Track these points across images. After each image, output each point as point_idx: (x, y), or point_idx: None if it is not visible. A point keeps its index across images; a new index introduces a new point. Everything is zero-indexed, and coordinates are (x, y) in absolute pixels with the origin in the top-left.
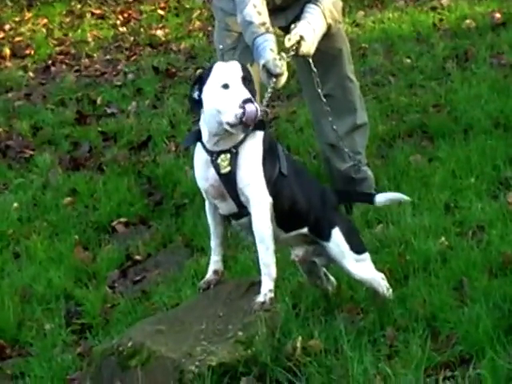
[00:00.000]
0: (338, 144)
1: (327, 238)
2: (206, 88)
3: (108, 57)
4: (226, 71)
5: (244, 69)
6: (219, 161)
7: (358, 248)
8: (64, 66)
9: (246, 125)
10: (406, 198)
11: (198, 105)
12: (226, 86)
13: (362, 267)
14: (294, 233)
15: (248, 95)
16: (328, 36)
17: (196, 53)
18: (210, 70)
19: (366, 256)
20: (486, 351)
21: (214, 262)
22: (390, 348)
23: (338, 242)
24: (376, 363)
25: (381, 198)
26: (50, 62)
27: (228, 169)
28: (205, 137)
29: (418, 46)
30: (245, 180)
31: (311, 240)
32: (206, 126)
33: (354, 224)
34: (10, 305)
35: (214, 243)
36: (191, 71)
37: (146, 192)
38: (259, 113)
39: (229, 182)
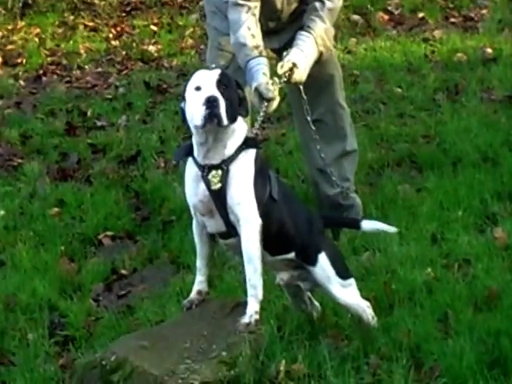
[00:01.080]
0: (326, 169)
1: (313, 262)
2: (185, 94)
3: (99, 69)
4: (202, 76)
5: (223, 75)
6: (210, 176)
7: (343, 273)
8: (55, 77)
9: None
10: (392, 229)
11: (184, 114)
12: (198, 89)
13: (348, 293)
14: (280, 257)
15: (214, 93)
16: (320, 62)
17: (188, 70)
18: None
19: (352, 282)
20: None
21: (199, 282)
22: (373, 376)
23: (324, 266)
24: None
25: (367, 225)
26: (41, 71)
27: (219, 185)
28: (195, 150)
29: (409, 75)
30: (235, 198)
31: (297, 265)
32: (193, 136)
33: (339, 250)
34: None
35: (199, 263)
36: (182, 88)
37: (133, 206)
38: (224, 117)
39: (219, 198)
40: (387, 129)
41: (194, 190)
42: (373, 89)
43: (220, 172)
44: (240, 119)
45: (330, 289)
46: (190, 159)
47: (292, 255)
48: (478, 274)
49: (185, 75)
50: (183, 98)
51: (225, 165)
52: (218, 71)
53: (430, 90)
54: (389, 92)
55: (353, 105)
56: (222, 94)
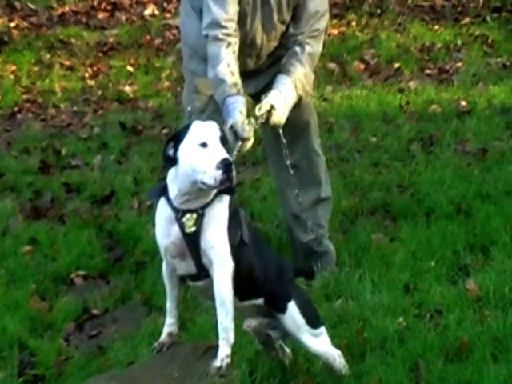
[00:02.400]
0: (301, 215)
1: (283, 310)
2: (182, 146)
3: (75, 108)
4: (205, 130)
5: (221, 129)
6: (184, 220)
7: (313, 322)
8: (30, 115)
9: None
10: None
11: (171, 163)
12: (204, 145)
13: (318, 341)
14: (248, 302)
15: (227, 155)
16: (297, 107)
17: (163, 112)
18: (187, 127)
19: (322, 330)
20: None
21: (169, 324)
22: None
23: (293, 315)
24: None
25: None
26: (16, 109)
27: (193, 229)
28: (172, 193)
29: (384, 125)
30: (209, 242)
31: (266, 312)
32: (176, 183)
33: (310, 298)
34: None
35: (169, 305)
36: (158, 130)
37: (106, 247)
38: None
39: (192, 242)
40: (362, 177)
41: (166, 232)
42: (348, 137)
43: (195, 215)
44: None
45: (300, 338)
46: (162, 200)
47: (261, 301)
48: (449, 324)
49: (160, 117)
50: (174, 147)
51: (200, 208)
52: (215, 125)
53: (405, 140)
54: (364, 141)
55: (328, 152)
56: (226, 151)
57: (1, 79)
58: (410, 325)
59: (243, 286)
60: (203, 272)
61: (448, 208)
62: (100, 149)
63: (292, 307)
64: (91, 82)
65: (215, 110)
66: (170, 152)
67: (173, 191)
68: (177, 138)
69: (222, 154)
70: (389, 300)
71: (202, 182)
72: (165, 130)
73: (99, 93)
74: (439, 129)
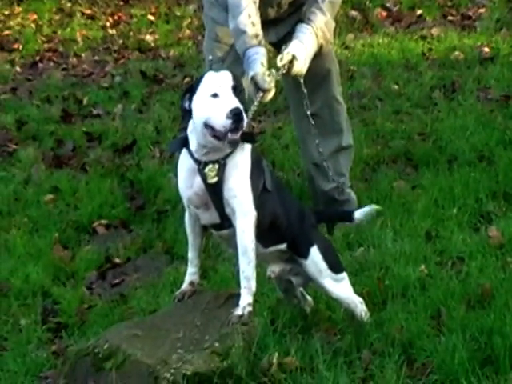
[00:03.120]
0: (322, 164)
1: (305, 255)
2: (195, 98)
3: (96, 58)
4: (217, 80)
5: (235, 78)
6: (207, 170)
7: (335, 267)
8: (51, 64)
9: (233, 139)
10: (376, 207)
11: (188, 115)
12: (215, 96)
13: (340, 287)
14: (272, 248)
15: (237, 104)
16: (318, 56)
17: (184, 61)
18: (200, 79)
19: (344, 276)
20: (461, 382)
21: (191, 273)
22: (365, 371)
23: (315, 260)
24: None
25: (359, 215)
26: (37, 58)
27: (215, 179)
28: (193, 146)
29: (406, 72)
30: (232, 191)
31: (289, 258)
32: (194, 135)
33: (332, 244)
34: None
35: (191, 255)
36: (179, 79)
37: (128, 195)
38: (245, 124)
39: (215, 192)
40: (383, 125)
41: (188, 183)
42: (370, 85)
43: (217, 166)
44: None
45: (322, 283)
46: (184, 151)
47: (284, 246)
48: (471, 271)
49: (182, 66)
50: (189, 100)
51: (222, 159)
52: (229, 75)
53: (427, 88)
54: (386, 88)
55: (349, 100)
56: (239, 99)
57: (22, 28)
58: (432, 272)
59: (267, 233)
60: (227, 222)
61: (470, 155)
62: (121, 98)
63: (314, 252)
64: (112, 31)
65: (236, 60)
66: (186, 104)
67: (193, 143)
68: (191, 90)
69: (233, 103)
70: (410, 248)
71: (213, 132)
72: (186, 79)
73: (120, 42)
74: (461, 75)
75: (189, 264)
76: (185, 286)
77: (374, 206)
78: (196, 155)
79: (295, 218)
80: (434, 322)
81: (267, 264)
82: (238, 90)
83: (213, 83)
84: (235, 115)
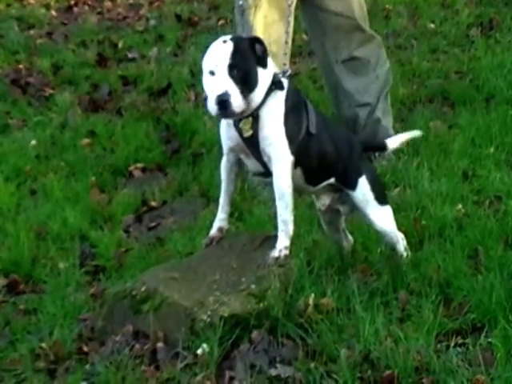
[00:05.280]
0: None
1: (353, 186)
2: (202, 67)
3: (131, 1)
4: (215, 56)
5: (237, 49)
6: (241, 125)
7: (381, 198)
8: (86, 8)
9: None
10: (417, 133)
11: None
12: (212, 73)
13: (385, 219)
14: (321, 185)
15: (225, 89)
16: None
17: (219, 3)
18: (207, 49)
19: (389, 208)
20: (499, 321)
21: (220, 219)
22: (402, 311)
23: (363, 190)
24: (387, 325)
25: (393, 143)
26: (72, 2)
27: (250, 132)
28: None
29: (442, 11)
30: (267, 140)
31: (337, 187)
32: None
33: (378, 174)
34: (25, 241)
35: (222, 200)
36: (213, 21)
37: (163, 139)
38: (236, 108)
39: (252, 144)
40: (419, 64)
41: (227, 135)
42: (405, 24)
43: (250, 119)
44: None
45: (368, 213)
46: None
47: (332, 180)
48: (509, 210)
49: (216, 8)
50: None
51: (255, 111)
52: (229, 49)
53: (464, 26)
54: (422, 27)
55: (385, 40)
56: (235, 78)
57: None
58: (469, 212)
59: (316, 173)
60: (270, 170)
61: (508, 93)
62: (156, 41)
63: (362, 182)
64: None
65: (268, 8)
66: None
67: None
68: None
69: (222, 87)
70: (447, 187)
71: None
72: (221, 22)
73: None
74: (499, 13)
75: (219, 209)
76: (213, 231)
77: (412, 134)
78: None
79: (344, 150)
80: (471, 261)
81: (316, 198)
82: (236, 66)
83: (211, 59)
84: (219, 102)
